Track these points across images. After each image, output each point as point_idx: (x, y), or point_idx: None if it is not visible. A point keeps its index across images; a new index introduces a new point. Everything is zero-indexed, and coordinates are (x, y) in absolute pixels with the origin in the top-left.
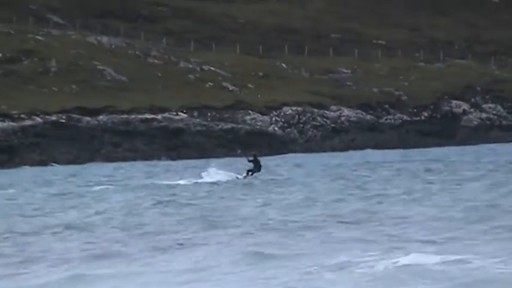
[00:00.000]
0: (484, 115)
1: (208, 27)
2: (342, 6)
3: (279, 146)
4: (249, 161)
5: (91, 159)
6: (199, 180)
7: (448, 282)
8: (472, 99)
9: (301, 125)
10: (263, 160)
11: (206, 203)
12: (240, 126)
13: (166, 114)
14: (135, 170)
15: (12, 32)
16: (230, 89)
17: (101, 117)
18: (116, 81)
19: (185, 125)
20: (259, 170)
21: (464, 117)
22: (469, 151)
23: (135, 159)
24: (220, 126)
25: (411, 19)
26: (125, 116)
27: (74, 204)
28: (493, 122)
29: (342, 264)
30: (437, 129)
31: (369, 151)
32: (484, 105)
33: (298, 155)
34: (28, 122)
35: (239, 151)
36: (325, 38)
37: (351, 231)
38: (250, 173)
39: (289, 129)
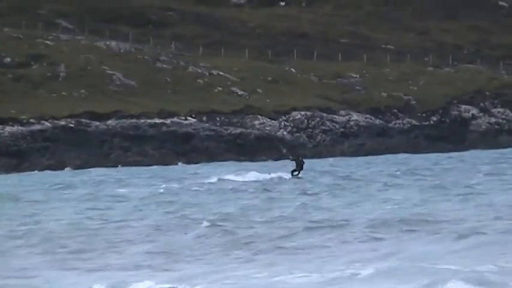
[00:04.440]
0: (493, 120)
1: (217, 32)
2: (350, 11)
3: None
4: (292, 160)
5: (100, 164)
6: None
7: None
8: (481, 104)
9: (310, 130)
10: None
11: None
12: (249, 130)
13: (175, 119)
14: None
15: (22, 37)
16: (239, 93)
17: (110, 121)
18: (125, 86)
19: (194, 129)
20: (301, 169)
21: (473, 122)
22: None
23: (146, 164)
24: (229, 131)
25: (420, 24)
26: (134, 120)
27: None
28: (502, 127)
29: None
30: (446, 133)
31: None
32: (493, 110)
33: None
34: (37, 127)
35: (284, 150)
36: (334, 42)
37: None
38: (294, 172)
39: (298, 134)
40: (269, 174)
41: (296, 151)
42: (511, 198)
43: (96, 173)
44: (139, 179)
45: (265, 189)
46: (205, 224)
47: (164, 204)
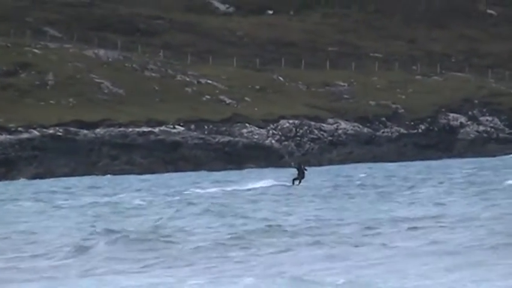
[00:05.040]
0: (481, 128)
1: (205, 40)
2: (338, 20)
3: (276, 159)
4: (293, 167)
5: (88, 172)
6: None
7: None
8: (470, 112)
9: (298, 138)
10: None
11: None
12: (237, 139)
13: (163, 128)
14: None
15: (10, 45)
16: (227, 102)
17: (98, 130)
18: (113, 94)
19: (182, 138)
20: (303, 177)
21: (462, 130)
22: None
23: (134, 173)
24: (217, 140)
25: (408, 32)
26: (122, 129)
27: None
28: (490, 135)
29: None
30: (435, 142)
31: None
32: (482, 118)
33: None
34: (25, 135)
35: (292, 163)
36: (322, 51)
37: None
38: (295, 181)
39: (286, 142)
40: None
41: (300, 160)
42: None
43: (50, 184)
44: (96, 189)
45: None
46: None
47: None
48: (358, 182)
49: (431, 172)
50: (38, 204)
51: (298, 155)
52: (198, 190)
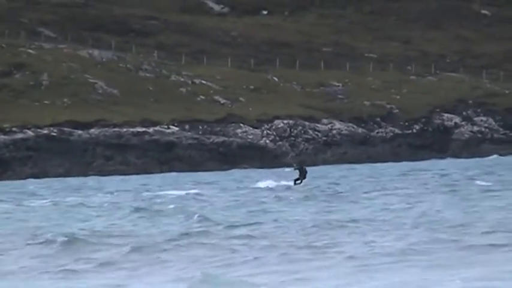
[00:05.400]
0: (475, 128)
1: (199, 40)
2: (333, 20)
3: (270, 159)
4: (295, 169)
5: (83, 173)
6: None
7: None
8: (464, 113)
9: (293, 138)
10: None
11: None
12: (231, 139)
13: (157, 128)
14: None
15: (4, 46)
16: (221, 102)
17: (92, 130)
18: (107, 94)
19: (177, 138)
20: (304, 178)
21: (456, 131)
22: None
23: (128, 173)
24: (211, 140)
25: (403, 33)
26: (116, 129)
27: None
28: (484, 135)
29: None
30: (429, 142)
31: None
32: (476, 119)
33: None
34: (20, 135)
35: (294, 165)
36: (317, 51)
37: None
38: (297, 181)
39: (280, 143)
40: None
41: (301, 160)
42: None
43: (40, 184)
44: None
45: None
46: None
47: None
48: (329, 184)
49: (412, 173)
50: (2, 205)
51: (298, 156)
52: (174, 192)
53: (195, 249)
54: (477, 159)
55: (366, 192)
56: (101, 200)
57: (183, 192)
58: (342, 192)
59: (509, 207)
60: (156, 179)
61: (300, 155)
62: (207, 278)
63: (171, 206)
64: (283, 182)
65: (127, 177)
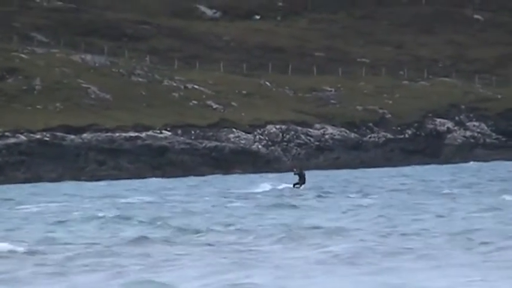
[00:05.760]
0: (468, 133)
1: (192, 45)
2: (326, 25)
3: (263, 164)
4: (295, 174)
5: (76, 178)
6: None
7: None
8: (456, 118)
9: (285, 143)
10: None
11: None
12: (224, 144)
13: (150, 133)
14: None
15: None
16: (214, 107)
17: (85, 135)
18: (100, 99)
19: (169, 143)
20: (304, 183)
21: (449, 136)
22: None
23: (121, 178)
24: (204, 145)
25: (395, 37)
26: (109, 134)
27: None
28: (477, 140)
29: None
30: (422, 147)
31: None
32: (468, 123)
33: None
34: (12, 140)
35: (294, 169)
36: (309, 56)
37: None
38: (296, 185)
39: (273, 148)
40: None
41: (301, 165)
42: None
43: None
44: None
45: None
46: None
47: None
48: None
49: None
50: None
51: (296, 160)
52: (140, 198)
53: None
54: (475, 163)
55: None
56: (74, 206)
57: (161, 198)
58: None
59: None
60: (146, 183)
61: (297, 159)
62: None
63: (136, 212)
64: (270, 187)
65: (116, 182)
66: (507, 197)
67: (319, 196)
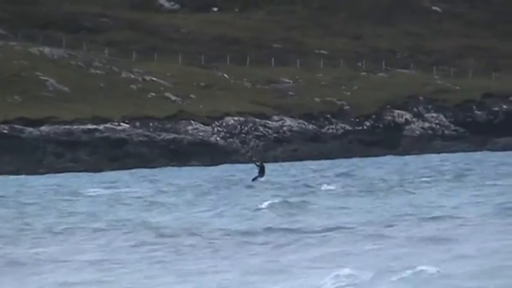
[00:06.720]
0: (426, 125)
1: (150, 37)
2: (283, 16)
3: (221, 156)
4: (257, 165)
5: (34, 171)
6: None
7: None
8: (415, 109)
9: (243, 135)
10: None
11: None
12: (182, 136)
13: (108, 125)
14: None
15: None
16: (172, 99)
17: (43, 127)
18: (58, 92)
19: (128, 135)
20: (263, 175)
21: (407, 127)
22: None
23: (79, 170)
24: (162, 137)
25: (354, 29)
26: (67, 126)
27: None
28: (435, 132)
29: None
30: (380, 138)
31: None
32: (427, 115)
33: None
34: None
35: (254, 159)
36: (267, 48)
37: None
38: (257, 177)
39: (231, 140)
40: None
41: (261, 156)
42: None
43: None
44: None
45: None
46: None
47: None
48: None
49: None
50: None
51: (254, 152)
52: (95, 190)
53: None
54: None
55: None
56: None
57: (110, 191)
58: None
59: None
60: (103, 176)
61: (255, 151)
62: None
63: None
64: None
65: (75, 174)
66: None
67: None
